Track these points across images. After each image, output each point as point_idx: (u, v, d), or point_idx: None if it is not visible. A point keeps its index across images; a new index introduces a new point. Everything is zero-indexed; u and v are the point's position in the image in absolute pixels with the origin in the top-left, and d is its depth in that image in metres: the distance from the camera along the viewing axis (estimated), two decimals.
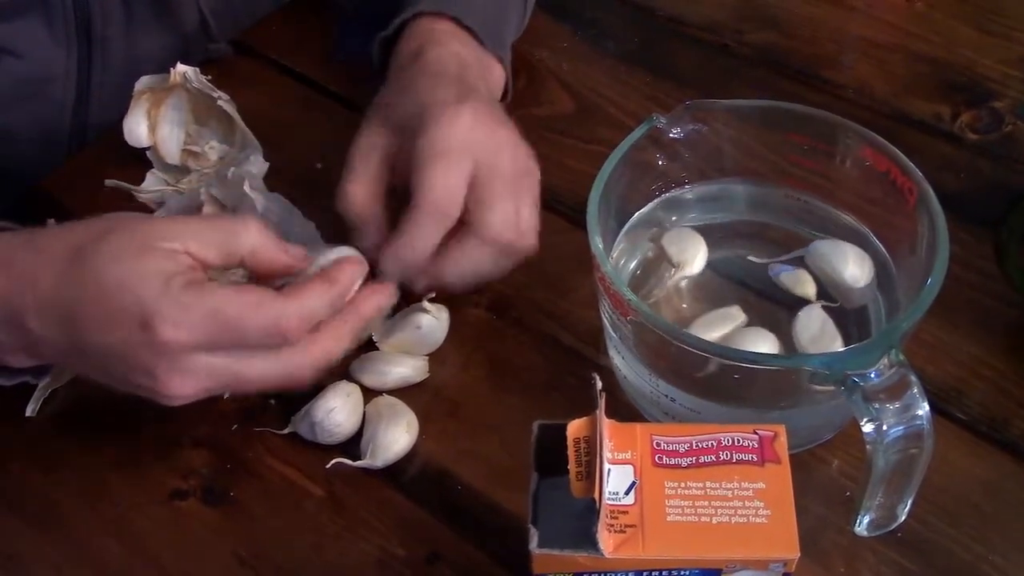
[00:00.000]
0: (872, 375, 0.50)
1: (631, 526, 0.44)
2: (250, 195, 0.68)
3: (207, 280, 0.55)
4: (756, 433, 0.47)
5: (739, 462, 0.46)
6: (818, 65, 0.82)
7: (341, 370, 0.64)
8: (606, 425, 0.46)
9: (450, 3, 0.70)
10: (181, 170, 0.75)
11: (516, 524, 0.55)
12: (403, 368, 0.64)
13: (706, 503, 0.45)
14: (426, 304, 0.64)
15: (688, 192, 0.65)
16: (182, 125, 0.75)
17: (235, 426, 0.63)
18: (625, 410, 0.61)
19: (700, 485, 0.45)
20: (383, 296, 0.59)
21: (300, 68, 0.84)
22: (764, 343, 0.58)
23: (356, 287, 0.58)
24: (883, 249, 0.62)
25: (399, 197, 0.63)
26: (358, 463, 0.60)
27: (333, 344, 0.57)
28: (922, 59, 0.82)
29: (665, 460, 0.46)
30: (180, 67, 0.73)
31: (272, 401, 0.64)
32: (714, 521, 0.44)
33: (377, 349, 0.65)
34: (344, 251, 0.60)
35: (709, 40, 0.84)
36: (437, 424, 0.63)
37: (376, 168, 0.63)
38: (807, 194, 0.64)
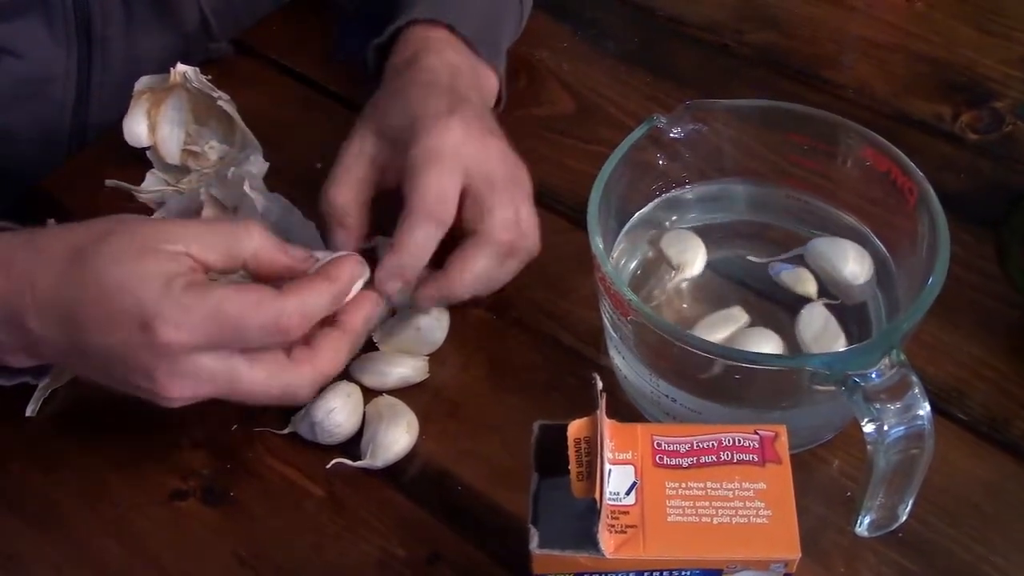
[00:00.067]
0: (873, 375, 0.50)
1: (632, 526, 0.44)
2: (250, 195, 0.68)
3: (208, 282, 0.55)
4: (757, 433, 0.47)
5: (740, 462, 0.46)
6: (818, 65, 0.82)
7: (341, 370, 0.64)
8: (607, 425, 0.45)
9: (445, 11, 0.70)
10: (181, 170, 0.75)
11: (516, 524, 0.55)
12: (403, 368, 0.64)
13: (707, 503, 0.45)
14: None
15: (688, 192, 0.65)
16: (182, 125, 0.75)
17: (235, 426, 0.63)
18: (625, 410, 0.61)
19: (701, 485, 0.45)
20: (370, 304, 0.59)
21: (300, 68, 0.84)
22: (768, 343, 0.58)
23: (358, 286, 0.58)
24: (884, 249, 0.62)
25: (388, 208, 0.63)
26: (358, 463, 0.60)
27: (329, 364, 0.57)
28: (922, 59, 0.82)
29: (666, 460, 0.46)
30: (180, 67, 0.73)
31: None
32: (715, 521, 0.44)
33: (377, 349, 0.65)
34: (345, 252, 0.60)
35: (709, 40, 0.84)
36: (437, 424, 0.62)
37: (363, 174, 0.63)
38: (807, 194, 0.64)
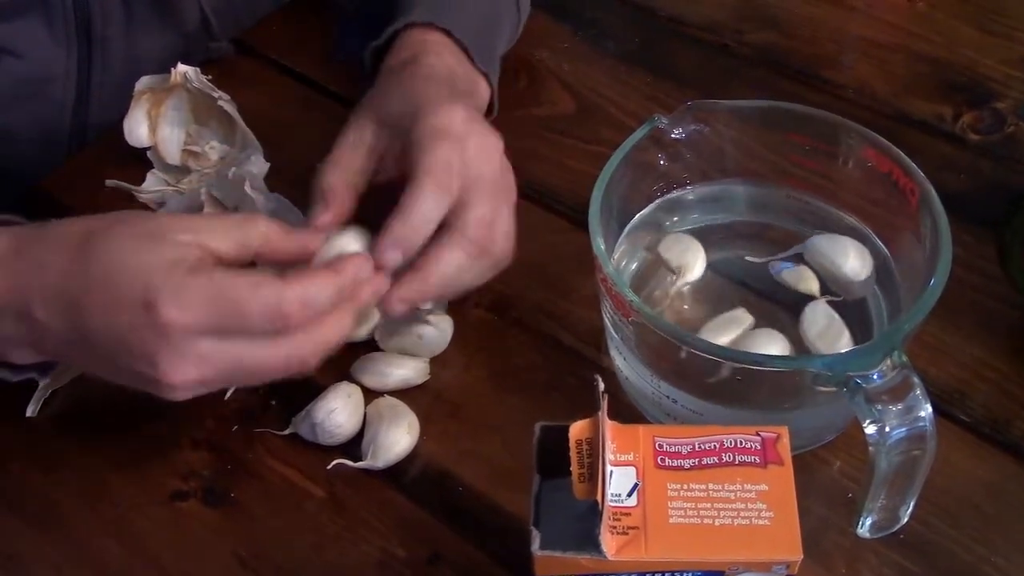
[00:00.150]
0: (875, 377, 0.50)
1: (633, 528, 0.44)
2: (251, 195, 0.68)
3: (214, 267, 0.54)
4: (759, 435, 0.47)
5: (742, 464, 0.46)
6: (819, 65, 0.82)
7: (342, 371, 0.64)
8: (608, 427, 0.45)
9: (442, 15, 0.70)
10: (181, 170, 0.75)
11: (517, 525, 0.55)
12: (404, 370, 0.64)
13: (709, 505, 0.45)
14: (430, 318, 0.64)
15: (689, 193, 0.65)
16: (182, 125, 0.75)
17: (236, 427, 0.63)
18: (626, 411, 0.61)
19: (703, 487, 0.45)
20: (380, 282, 0.58)
21: (300, 68, 0.84)
22: (774, 344, 0.58)
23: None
24: (885, 250, 0.62)
25: (378, 204, 0.62)
26: (359, 464, 0.60)
27: (333, 329, 0.56)
28: (923, 59, 0.82)
29: (668, 462, 0.46)
30: (181, 67, 0.73)
31: (273, 402, 0.64)
32: (717, 523, 0.44)
33: (378, 350, 0.65)
34: (354, 230, 0.59)
35: (709, 40, 0.84)
36: (438, 425, 0.62)
37: (358, 162, 0.63)
38: (808, 195, 0.64)
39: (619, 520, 0.44)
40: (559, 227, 0.71)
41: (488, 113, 0.73)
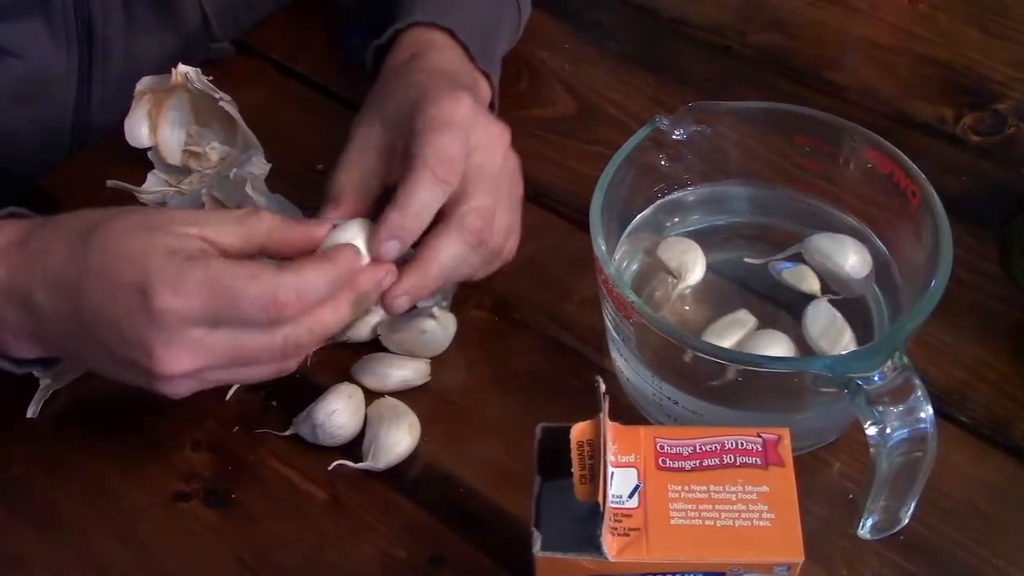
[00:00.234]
0: (876, 378, 0.50)
1: (635, 529, 0.44)
2: (252, 196, 0.68)
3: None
4: (760, 436, 0.47)
5: (743, 465, 0.46)
6: (821, 67, 0.82)
7: (342, 372, 0.64)
8: (610, 428, 0.45)
9: (444, 15, 0.70)
10: (182, 171, 0.75)
11: (519, 527, 0.55)
12: (405, 371, 0.64)
13: (710, 506, 0.45)
14: (435, 311, 0.64)
15: (691, 194, 0.65)
16: (183, 126, 0.75)
17: (237, 428, 0.63)
18: (627, 413, 0.61)
19: (704, 488, 0.45)
20: (382, 272, 0.58)
21: (301, 69, 0.84)
22: (779, 345, 0.58)
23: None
24: (886, 251, 0.62)
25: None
26: (360, 465, 0.60)
27: (330, 314, 0.55)
28: (925, 61, 0.82)
29: (669, 463, 0.46)
30: (182, 67, 0.73)
31: (274, 403, 0.64)
32: (718, 524, 0.44)
33: (379, 351, 0.65)
34: (359, 221, 0.59)
35: (712, 41, 0.84)
36: (439, 426, 0.62)
37: (371, 163, 0.62)
38: (810, 196, 0.64)
39: (620, 521, 0.44)
40: (560, 228, 0.71)
41: None
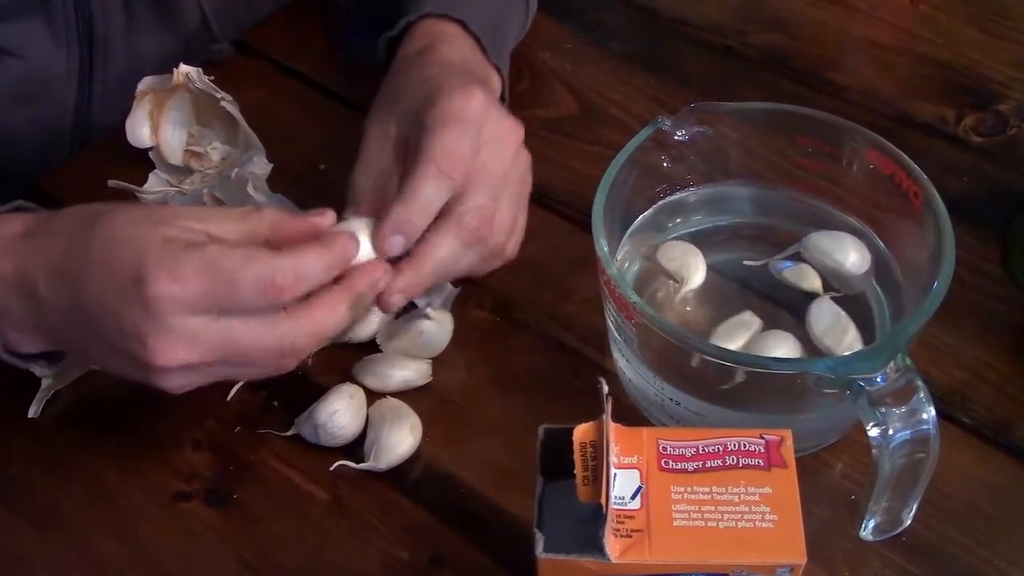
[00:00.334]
0: (878, 379, 0.50)
1: (637, 531, 0.44)
2: (253, 196, 0.68)
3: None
4: (763, 438, 0.47)
5: (745, 467, 0.46)
6: (822, 67, 0.82)
7: (344, 372, 0.64)
8: (612, 429, 0.45)
9: (456, 7, 0.70)
10: (184, 171, 0.75)
11: (521, 528, 0.55)
12: (406, 371, 0.64)
13: (712, 508, 0.45)
14: (430, 312, 0.64)
15: (693, 195, 0.65)
16: (185, 126, 0.75)
17: (238, 428, 0.63)
18: (629, 414, 0.61)
19: (707, 490, 0.45)
20: (378, 271, 0.57)
21: (302, 69, 0.84)
22: (785, 346, 0.58)
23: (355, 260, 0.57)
24: (888, 252, 0.62)
25: None
26: (361, 465, 0.60)
27: (327, 315, 0.55)
28: (926, 61, 0.82)
29: (671, 465, 0.46)
30: (183, 68, 0.73)
31: (275, 403, 0.64)
32: (721, 526, 0.44)
33: (380, 351, 0.65)
34: (365, 218, 0.59)
35: (713, 42, 0.84)
36: (441, 427, 0.62)
37: (388, 160, 0.62)
38: (811, 196, 0.64)
39: (623, 523, 0.44)
40: (562, 228, 0.71)
41: None
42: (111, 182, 0.73)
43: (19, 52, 0.74)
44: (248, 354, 0.54)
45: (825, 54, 0.83)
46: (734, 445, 0.46)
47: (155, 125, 0.75)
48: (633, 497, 0.45)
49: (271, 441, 0.62)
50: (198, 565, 0.58)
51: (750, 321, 0.60)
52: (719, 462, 0.46)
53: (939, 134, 0.77)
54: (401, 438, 0.60)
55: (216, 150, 0.75)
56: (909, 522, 0.54)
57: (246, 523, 0.59)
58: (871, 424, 0.50)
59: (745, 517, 0.45)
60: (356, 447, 0.61)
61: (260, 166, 0.72)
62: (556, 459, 0.45)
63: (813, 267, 0.62)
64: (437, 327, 0.64)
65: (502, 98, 0.72)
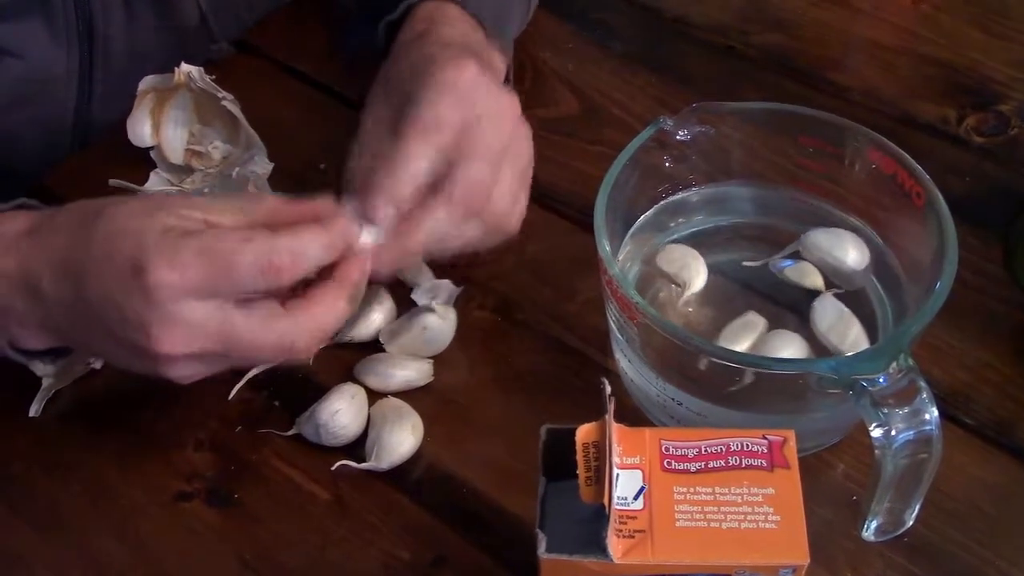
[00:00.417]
0: (881, 380, 0.50)
1: (640, 531, 0.44)
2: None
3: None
4: (765, 438, 0.47)
5: (748, 467, 0.46)
6: (824, 67, 0.81)
7: (345, 372, 0.64)
8: (615, 430, 0.45)
9: None
10: (185, 170, 0.75)
11: (522, 528, 0.55)
12: (407, 371, 0.63)
13: (715, 508, 0.45)
14: (434, 304, 0.64)
15: (694, 195, 0.65)
16: (186, 125, 0.75)
17: (239, 428, 0.63)
18: (631, 414, 0.61)
19: (709, 490, 0.45)
20: (365, 262, 0.57)
21: (304, 68, 0.84)
22: (792, 346, 0.58)
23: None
24: (890, 252, 0.62)
25: None
26: (363, 465, 0.60)
27: (326, 312, 0.55)
28: (928, 62, 0.82)
29: (674, 465, 0.46)
30: (184, 67, 0.73)
31: (276, 403, 0.64)
32: (723, 527, 0.44)
33: (382, 351, 0.65)
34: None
35: (715, 42, 0.84)
36: (442, 427, 0.62)
37: (385, 144, 0.60)
38: (813, 196, 0.64)
39: (625, 523, 0.44)
40: (563, 228, 0.71)
41: None
42: (112, 181, 0.73)
43: (19, 52, 0.74)
44: (250, 344, 0.54)
45: (827, 54, 0.83)
46: (737, 446, 0.46)
47: (156, 124, 0.75)
48: (636, 497, 0.45)
49: (272, 441, 0.62)
50: (199, 565, 0.58)
51: (756, 322, 0.60)
52: (722, 463, 0.46)
53: (941, 134, 0.77)
54: (402, 438, 0.60)
55: (217, 149, 0.75)
56: (911, 523, 0.54)
57: (247, 523, 0.59)
58: (874, 424, 0.50)
59: (748, 518, 0.44)
60: (357, 447, 0.61)
61: (261, 165, 0.72)
62: (558, 459, 0.45)
63: (813, 265, 0.62)
64: (441, 322, 0.64)
65: (506, 80, 0.72)
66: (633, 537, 0.44)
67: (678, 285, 0.62)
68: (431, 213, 0.58)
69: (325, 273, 0.55)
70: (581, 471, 0.44)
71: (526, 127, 0.62)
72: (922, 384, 0.50)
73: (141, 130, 0.75)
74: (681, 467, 0.46)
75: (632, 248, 0.64)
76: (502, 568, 0.57)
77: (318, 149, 0.76)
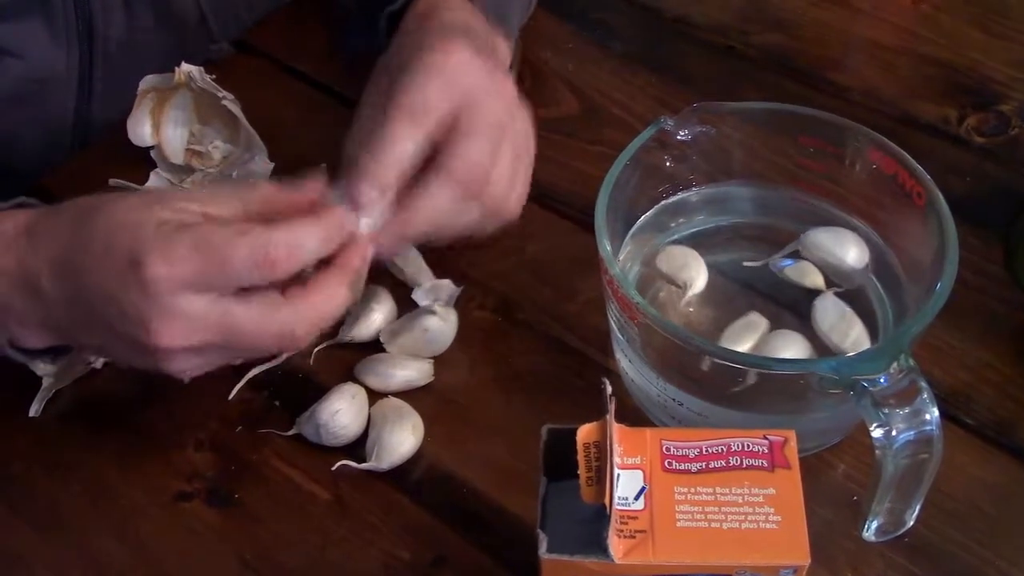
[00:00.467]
0: (882, 380, 0.50)
1: (641, 531, 0.44)
2: None
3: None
4: (766, 438, 0.47)
5: (749, 467, 0.46)
6: (824, 67, 0.81)
7: (346, 372, 0.64)
8: (616, 430, 0.45)
9: None
10: (185, 170, 0.75)
11: (523, 528, 0.55)
12: (408, 371, 0.63)
13: (716, 509, 0.45)
14: (435, 307, 0.64)
15: (695, 195, 0.65)
16: (186, 125, 0.75)
17: (240, 428, 0.63)
18: (632, 414, 0.61)
19: (710, 490, 0.45)
20: (365, 248, 0.56)
21: (303, 68, 0.84)
22: (794, 346, 0.58)
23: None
24: (890, 252, 0.62)
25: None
26: (363, 465, 0.60)
27: (326, 301, 0.55)
28: (928, 62, 0.82)
29: (675, 465, 0.46)
30: (185, 67, 0.73)
31: (277, 403, 0.64)
32: (724, 527, 0.44)
33: (383, 351, 0.65)
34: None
35: (715, 42, 0.84)
36: (443, 427, 0.62)
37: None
38: (814, 196, 0.64)
39: (626, 524, 0.44)
40: (564, 228, 0.71)
41: None
42: (112, 181, 0.73)
43: (19, 52, 0.74)
44: (250, 336, 0.54)
45: (827, 54, 0.83)
46: (738, 446, 0.46)
47: (156, 124, 0.75)
48: (637, 498, 0.45)
49: (273, 441, 0.62)
50: (199, 565, 0.58)
51: (758, 322, 0.60)
52: (723, 463, 0.46)
53: (941, 134, 0.77)
54: (403, 438, 0.60)
55: (217, 149, 0.75)
56: (912, 523, 0.54)
57: (247, 523, 0.59)
58: (874, 425, 0.50)
59: (749, 518, 0.44)
60: (358, 447, 0.61)
61: (261, 165, 0.72)
62: (559, 459, 0.45)
63: (813, 264, 0.62)
64: (442, 324, 0.64)
65: (510, 68, 0.71)
66: (634, 537, 0.44)
67: (679, 286, 0.62)
68: (429, 194, 0.57)
69: (324, 260, 0.55)
70: (582, 471, 0.44)
71: (525, 110, 0.62)
72: (923, 384, 0.50)
73: (141, 130, 0.75)
74: (682, 467, 0.46)
75: (633, 248, 0.64)
76: (502, 568, 0.57)
77: (318, 149, 0.75)
